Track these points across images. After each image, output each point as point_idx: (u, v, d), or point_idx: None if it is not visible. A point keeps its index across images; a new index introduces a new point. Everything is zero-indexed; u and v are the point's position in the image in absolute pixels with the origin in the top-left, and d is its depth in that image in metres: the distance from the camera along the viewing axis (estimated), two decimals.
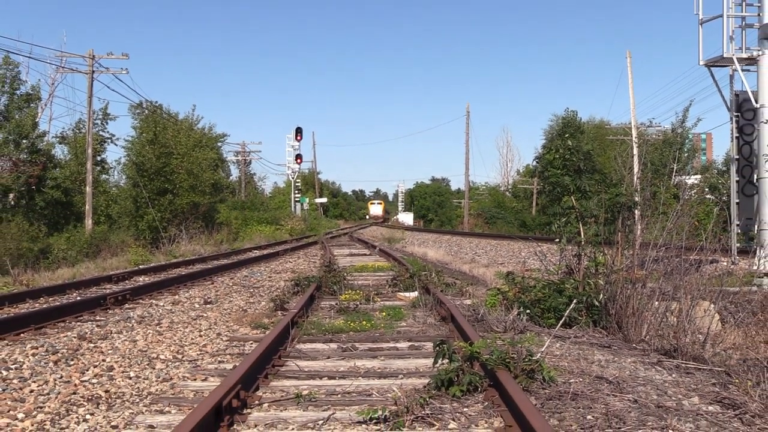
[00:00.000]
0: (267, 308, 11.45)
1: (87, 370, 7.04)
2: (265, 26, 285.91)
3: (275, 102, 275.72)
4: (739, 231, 16.04)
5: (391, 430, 4.97)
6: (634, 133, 40.52)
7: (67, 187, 40.61)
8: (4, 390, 6.22)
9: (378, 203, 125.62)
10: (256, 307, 11.84)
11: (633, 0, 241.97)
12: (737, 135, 16.13)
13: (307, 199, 66.90)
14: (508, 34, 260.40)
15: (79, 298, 12.68)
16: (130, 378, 6.83)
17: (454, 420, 5.14)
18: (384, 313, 10.38)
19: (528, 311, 9.32)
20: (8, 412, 5.62)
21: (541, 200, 66.89)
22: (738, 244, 15.99)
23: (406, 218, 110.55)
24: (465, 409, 5.39)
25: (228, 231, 39.99)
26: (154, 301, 12.66)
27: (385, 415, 5.09)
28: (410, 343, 8.21)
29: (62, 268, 20.43)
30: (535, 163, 65.02)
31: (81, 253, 28.25)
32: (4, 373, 6.81)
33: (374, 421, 5.09)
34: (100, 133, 44.85)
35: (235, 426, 5.10)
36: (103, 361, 7.49)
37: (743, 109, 16.04)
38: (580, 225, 10.09)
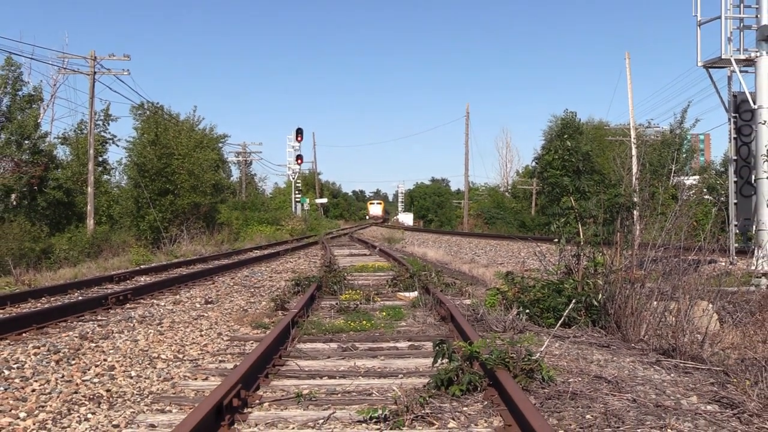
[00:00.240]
0: (267, 308, 11.49)
1: (88, 370, 7.07)
2: (265, 27, 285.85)
3: (276, 103, 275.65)
4: (737, 231, 16.06)
5: (391, 429, 5.01)
6: (632, 133, 40.57)
7: (69, 187, 40.67)
8: (6, 389, 6.25)
9: (377, 203, 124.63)
10: (256, 307, 11.87)
11: (632, 2, 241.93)
12: (735, 136, 16.16)
13: (307, 200, 67.01)
14: (508, 35, 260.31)
15: (80, 297, 12.72)
16: (132, 377, 6.87)
17: (453, 419, 5.18)
18: (384, 313, 10.42)
19: (527, 311, 9.35)
20: (10, 411, 5.66)
21: (541, 201, 66.91)
22: (736, 245, 16.01)
23: (406, 218, 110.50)
24: (464, 409, 5.42)
25: (229, 231, 40.03)
26: (155, 301, 12.69)
27: (385, 415, 5.12)
28: (410, 343, 8.25)
29: (64, 268, 20.48)
30: (534, 163, 65.21)
31: (82, 253, 28.29)
32: (6, 372, 6.85)
33: (374, 420, 5.12)
34: (102, 133, 44.95)
35: (235, 425, 5.13)
36: (105, 360, 7.53)
37: (741, 110, 16.07)
38: (579, 225, 10.12)
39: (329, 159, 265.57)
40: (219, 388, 5.25)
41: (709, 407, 5.39)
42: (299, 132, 59.73)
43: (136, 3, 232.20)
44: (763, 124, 15.16)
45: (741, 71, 15.90)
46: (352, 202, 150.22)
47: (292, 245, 31.90)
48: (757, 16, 15.67)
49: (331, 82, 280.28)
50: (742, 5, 16.10)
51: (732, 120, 16.15)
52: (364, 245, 33.34)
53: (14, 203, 38.55)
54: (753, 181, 15.65)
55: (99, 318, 10.63)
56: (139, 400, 6.08)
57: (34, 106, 41.17)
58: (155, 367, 7.30)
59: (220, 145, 51.12)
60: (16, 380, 6.58)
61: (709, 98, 63.57)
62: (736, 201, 16.08)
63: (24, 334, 9.03)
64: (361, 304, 11.29)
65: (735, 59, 15.80)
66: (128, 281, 15.99)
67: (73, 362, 7.41)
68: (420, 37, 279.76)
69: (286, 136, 65.02)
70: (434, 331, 9.05)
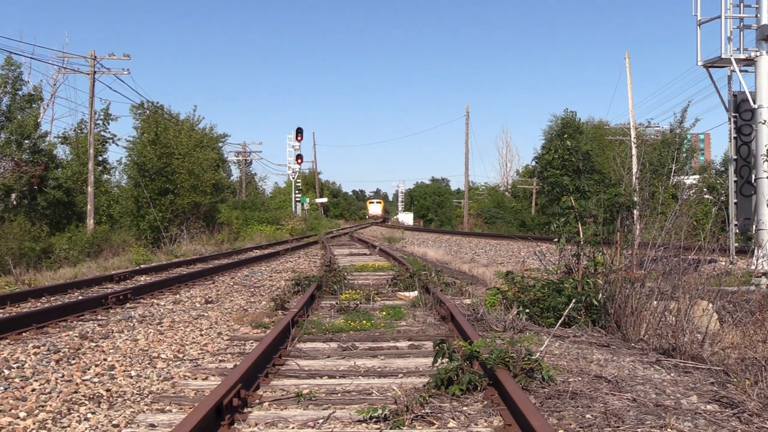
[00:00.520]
0: (267, 308, 11.49)
1: (88, 369, 7.07)
2: (265, 27, 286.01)
3: (276, 102, 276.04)
4: (738, 231, 16.07)
5: (391, 428, 5.01)
6: (632, 133, 40.56)
7: (69, 187, 40.69)
8: (6, 389, 6.25)
9: (377, 202, 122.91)
10: (256, 307, 11.87)
11: (632, 1, 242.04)
12: (735, 135, 16.17)
13: (307, 199, 66.92)
14: (508, 35, 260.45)
15: (80, 297, 12.72)
16: (132, 377, 6.87)
17: (453, 419, 5.18)
18: (384, 313, 10.42)
19: (527, 311, 9.35)
20: (10, 410, 5.65)
21: (541, 200, 66.93)
22: (736, 244, 16.02)
23: (406, 218, 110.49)
24: (464, 408, 5.43)
25: (229, 231, 40.02)
26: (155, 301, 12.69)
27: (385, 414, 5.12)
28: (410, 342, 8.25)
29: (64, 268, 20.47)
30: (534, 163, 65.18)
31: (83, 252, 28.28)
32: (6, 372, 6.85)
33: (374, 419, 5.12)
34: (102, 133, 44.99)
35: (235, 425, 5.14)
36: (105, 360, 7.53)
37: (741, 110, 16.08)
38: (579, 225, 10.11)
39: (329, 159, 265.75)
40: (219, 388, 5.25)
41: (709, 407, 5.39)
42: (299, 131, 59.77)
43: (136, 3, 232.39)
44: (763, 123, 15.17)
45: (741, 71, 15.92)
46: (352, 202, 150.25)
47: (292, 245, 31.90)
48: (757, 16, 15.68)
49: (331, 82, 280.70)
50: (742, 5, 16.11)
51: (732, 119, 16.16)
52: (364, 245, 33.35)
53: (14, 203, 38.58)
54: (753, 181, 15.66)
55: (99, 317, 10.63)
56: (139, 399, 6.08)
57: (34, 105, 41.21)
58: (155, 367, 7.30)
59: (220, 144, 51.19)
60: (16, 380, 6.58)
61: (709, 98, 63.78)
62: (736, 200, 16.09)
63: (24, 334, 9.03)
64: (361, 303, 11.29)
65: (735, 59, 15.81)
66: (128, 281, 15.99)
67: (73, 362, 7.41)
68: (420, 37, 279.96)
69: (286, 136, 65.06)
70: (434, 330, 9.05)
